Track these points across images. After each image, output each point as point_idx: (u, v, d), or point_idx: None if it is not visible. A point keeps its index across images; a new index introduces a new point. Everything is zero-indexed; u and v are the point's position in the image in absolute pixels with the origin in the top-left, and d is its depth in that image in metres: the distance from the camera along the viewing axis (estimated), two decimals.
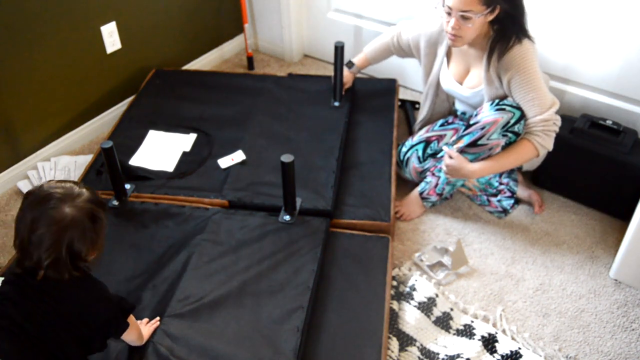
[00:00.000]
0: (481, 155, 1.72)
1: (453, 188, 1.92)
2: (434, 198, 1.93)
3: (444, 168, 1.77)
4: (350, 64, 2.15)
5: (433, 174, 1.91)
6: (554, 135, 1.67)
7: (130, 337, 1.26)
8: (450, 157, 1.74)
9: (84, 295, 1.13)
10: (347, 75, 2.17)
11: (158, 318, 1.38)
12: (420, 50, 1.94)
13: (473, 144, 1.69)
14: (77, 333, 1.13)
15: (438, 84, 1.93)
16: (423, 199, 1.93)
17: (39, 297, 1.09)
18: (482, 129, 1.66)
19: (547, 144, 1.66)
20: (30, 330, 1.07)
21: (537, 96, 1.62)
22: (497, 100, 1.68)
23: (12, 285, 1.11)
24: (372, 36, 2.55)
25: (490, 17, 1.60)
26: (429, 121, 2.05)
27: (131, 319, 1.24)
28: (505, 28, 1.62)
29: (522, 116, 1.64)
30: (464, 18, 1.57)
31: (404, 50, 2.03)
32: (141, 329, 1.32)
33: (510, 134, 1.66)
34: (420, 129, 2.05)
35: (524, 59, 1.60)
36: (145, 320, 1.38)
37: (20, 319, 1.07)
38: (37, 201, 1.09)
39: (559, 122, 1.66)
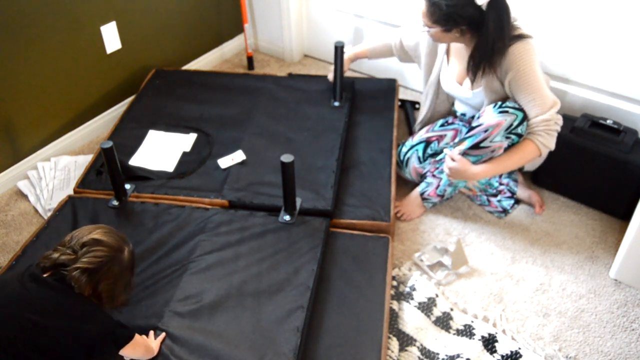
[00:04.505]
0: (483, 157, 1.71)
1: (455, 190, 1.92)
2: (435, 199, 1.93)
3: (447, 170, 1.77)
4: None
5: (434, 176, 1.91)
6: (555, 134, 1.67)
7: (135, 354, 1.25)
8: (453, 160, 1.74)
9: (80, 311, 1.14)
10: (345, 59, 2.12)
11: (164, 334, 1.36)
12: (420, 52, 1.94)
13: (476, 146, 1.69)
14: (58, 346, 1.11)
15: (438, 84, 1.93)
16: (424, 199, 1.93)
17: (41, 306, 1.10)
18: (485, 131, 1.66)
19: (549, 143, 1.66)
20: (17, 338, 1.08)
21: (537, 96, 1.62)
22: (499, 103, 1.67)
23: (22, 288, 1.13)
24: (372, 36, 2.55)
25: (458, 34, 1.63)
26: (429, 121, 2.04)
27: (136, 339, 1.23)
28: (479, 46, 1.62)
29: (525, 118, 1.64)
30: (428, 27, 1.66)
31: (406, 54, 2.04)
32: (151, 344, 1.30)
33: (513, 136, 1.66)
34: (421, 129, 2.05)
35: (523, 60, 1.60)
36: (151, 333, 1.36)
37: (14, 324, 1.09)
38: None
39: (560, 122, 1.66)
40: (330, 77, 2.20)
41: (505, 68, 1.63)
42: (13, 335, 1.08)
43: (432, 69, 1.93)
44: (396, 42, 2.04)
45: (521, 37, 1.61)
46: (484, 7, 1.54)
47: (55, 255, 1.15)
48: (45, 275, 1.13)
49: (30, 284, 1.11)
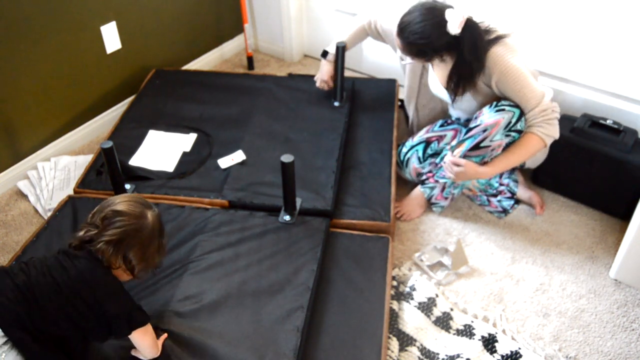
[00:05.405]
0: (485, 157, 1.72)
1: (461, 189, 1.92)
2: (443, 202, 1.93)
3: (451, 176, 1.77)
4: (325, 54, 2.11)
5: (436, 181, 1.91)
6: (556, 122, 1.67)
7: (143, 343, 1.25)
8: (458, 165, 1.73)
9: (105, 289, 1.16)
10: (326, 65, 2.12)
11: (165, 335, 1.36)
12: (395, 45, 1.95)
13: (476, 146, 1.69)
14: (81, 315, 1.14)
15: (420, 83, 1.94)
16: (432, 204, 1.93)
17: (73, 281, 1.13)
18: (484, 131, 1.66)
19: (551, 132, 1.66)
20: (37, 295, 1.12)
21: (527, 90, 1.63)
22: (495, 102, 1.68)
23: (55, 260, 1.17)
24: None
25: (438, 60, 1.67)
26: (420, 121, 2.05)
27: (148, 327, 1.24)
28: (457, 67, 1.67)
29: (522, 114, 1.65)
30: (410, 59, 1.70)
31: (380, 36, 2.03)
32: (157, 343, 1.30)
33: (513, 133, 1.66)
34: (418, 129, 2.05)
35: (502, 60, 1.62)
36: None
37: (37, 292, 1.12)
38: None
39: (557, 109, 1.67)
40: (319, 83, 2.17)
41: (488, 73, 1.66)
42: (53, 305, 1.12)
43: (405, 68, 1.96)
44: (371, 25, 2.02)
45: (497, 39, 1.63)
46: (457, 34, 1.58)
47: (81, 233, 1.18)
48: (76, 252, 1.17)
49: (64, 258, 1.16)
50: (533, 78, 1.65)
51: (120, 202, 1.21)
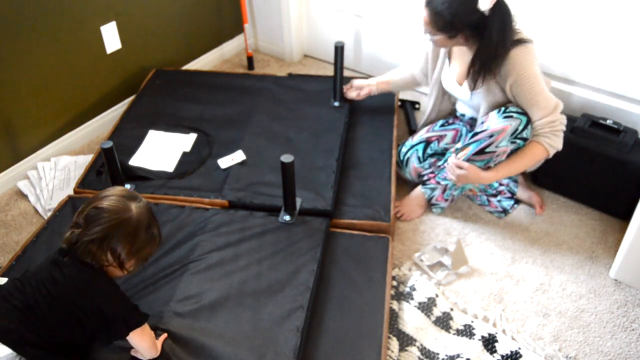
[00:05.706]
0: (489, 162, 1.71)
1: (462, 191, 1.92)
2: (443, 204, 1.93)
3: (452, 178, 1.77)
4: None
5: (438, 182, 1.91)
6: (561, 134, 1.66)
7: (141, 344, 1.25)
8: (461, 168, 1.73)
9: (99, 292, 1.16)
10: (370, 83, 2.11)
11: (165, 335, 1.36)
12: (428, 60, 1.94)
13: (481, 151, 1.69)
14: (81, 322, 1.15)
15: (440, 83, 1.93)
16: (432, 205, 1.93)
17: (60, 285, 1.14)
18: (491, 136, 1.66)
19: (556, 144, 1.66)
20: (37, 311, 1.13)
21: (540, 99, 1.62)
22: (503, 108, 1.68)
23: (44, 270, 1.18)
24: (372, 36, 2.56)
25: (462, 40, 1.64)
26: (434, 120, 2.04)
27: (145, 328, 1.23)
28: (481, 51, 1.63)
29: (529, 122, 1.65)
30: (432, 35, 1.66)
31: (426, 75, 2.01)
32: (156, 343, 1.30)
33: (519, 141, 1.66)
34: (424, 127, 2.05)
35: (522, 64, 1.60)
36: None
37: (32, 300, 1.13)
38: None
39: (564, 122, 1.66)
40: (351, 83, 2.15)
41: (505, 73, 1.63)
42: (54, 319, 1.13)
43: (434, 68, 1.93)
44: (416, 71, 2.03)
45: (521, 41, 1.61)
46: (486, 13, 1.54)
47: (67, 234, 1.17)
48: (65, 259, 1.16)
49: (54, 268, 1.15)
50: (547, 88, 1.64)
51: (102, 198, 1.19)
